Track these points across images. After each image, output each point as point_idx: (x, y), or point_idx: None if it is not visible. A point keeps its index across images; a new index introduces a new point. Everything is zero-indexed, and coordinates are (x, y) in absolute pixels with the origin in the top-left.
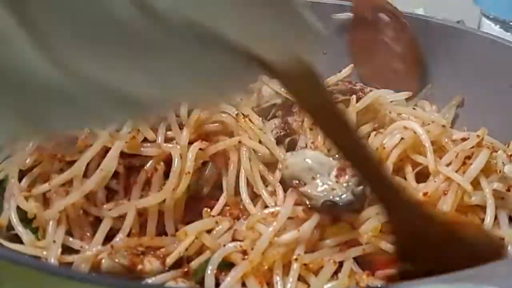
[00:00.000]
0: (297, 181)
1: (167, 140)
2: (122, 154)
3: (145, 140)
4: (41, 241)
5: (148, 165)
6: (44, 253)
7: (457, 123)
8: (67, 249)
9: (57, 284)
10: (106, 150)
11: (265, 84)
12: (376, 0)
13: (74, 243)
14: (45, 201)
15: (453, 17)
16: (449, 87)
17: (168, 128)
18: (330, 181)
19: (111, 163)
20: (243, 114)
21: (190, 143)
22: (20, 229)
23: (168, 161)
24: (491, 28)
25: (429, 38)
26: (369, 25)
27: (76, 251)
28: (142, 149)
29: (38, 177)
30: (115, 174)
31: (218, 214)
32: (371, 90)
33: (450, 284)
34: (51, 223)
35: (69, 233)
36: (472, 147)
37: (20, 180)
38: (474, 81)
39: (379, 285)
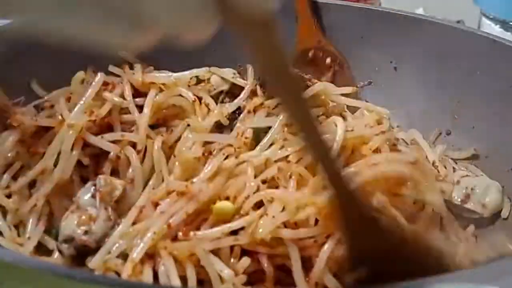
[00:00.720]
0: None
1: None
2: (87, 144)
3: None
4: (21, 237)
5: (111, 154)
6: (22, 249)
7: (456, 123)
8: None
9: (57, 284)
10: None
11: (212, 73)
12: (320, 41)
13: (49, 242)
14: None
15: (453, 17)
16: (449, 87)
17: (124, 111)
18: None
19: (67, 149)
20: (198, 98)
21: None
22: (0, 223)
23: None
24: (491, 28)
25: (429, 38)
26: (310, 63)
27: None
28: (101, 142)
29: (20, 171)
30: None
31: None
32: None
33: (450, 284)
34: (30, 219)
35: None
36: None
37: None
38: (474, 81)
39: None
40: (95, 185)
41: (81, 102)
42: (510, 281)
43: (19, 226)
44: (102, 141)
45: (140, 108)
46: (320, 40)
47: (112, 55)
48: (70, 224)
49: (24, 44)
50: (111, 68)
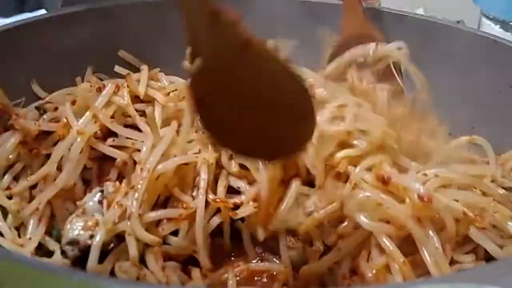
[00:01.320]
0: None
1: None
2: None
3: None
4: (21, 238)
5: (117, 160)
6: (22, 250)
7: (457, 123)
8: None
9: (57, 284)
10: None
11: None
12: (365, 28)
13: (49, 243)
14: (32, 198)
15: (453, 17)
16: (449, 87)
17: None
18: None
19: (74, 156)
20: None
21: None
22: (1, 224)
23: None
24: (491, 28)
25: (429, 38)
26: None
27: None
28: (110, 149)
29: (21, 172)
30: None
31: None
32: None
33: (450, 284)
34: (31, 221)
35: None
36: None
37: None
38: (474, 81)
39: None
40: (102, 191)
41: (90, 110)
42: (510, 281)
43: (19, 227)
44: (111, 149)
45: (143, 112)
46: (368, 27)
47: (112, 55)
48: (75, 228)
49: (25, 44)
50: (117, 69)
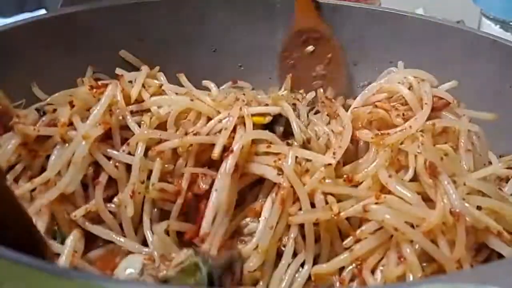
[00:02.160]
0: None
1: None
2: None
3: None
4: None
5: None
6: None
7: None
8: None
9: (57, 284)
10: None
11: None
12: (317, 24)
13: (54, 246)
14: (33, 200)
15: (453, 17)
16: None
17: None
18: None
19: (77, 161)
20: None
21: None
22: None
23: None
24: (491, 28)
25: (429, 38)
26: (305, 45)
27: None
28: (106, 163)
29: (22, 173)
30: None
31: None
32: None
33: (450, 284)
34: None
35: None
36: None
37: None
38: (474, 81)
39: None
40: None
41: (95, 113)
42: (510, 281)
43: None
44: (104, 160)
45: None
46: (317, 23)
47: (112, 56)
48: None
49: (25, 44)
50: (118, 71)
